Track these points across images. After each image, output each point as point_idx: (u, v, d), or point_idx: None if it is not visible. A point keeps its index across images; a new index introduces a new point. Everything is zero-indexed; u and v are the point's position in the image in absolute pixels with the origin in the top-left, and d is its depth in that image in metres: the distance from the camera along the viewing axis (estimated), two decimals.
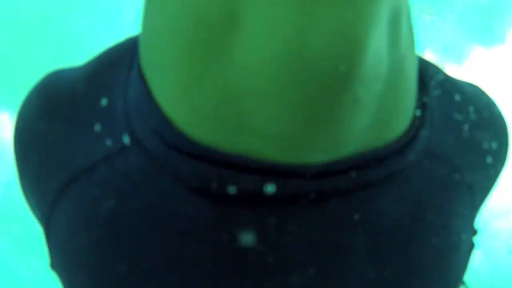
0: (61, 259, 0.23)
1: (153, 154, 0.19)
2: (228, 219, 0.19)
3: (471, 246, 0.27)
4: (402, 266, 0.21)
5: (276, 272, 0.19)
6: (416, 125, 0.21)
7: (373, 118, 0.17)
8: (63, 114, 0.23)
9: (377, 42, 0.14)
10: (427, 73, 0.23)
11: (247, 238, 0.18)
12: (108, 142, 0.21)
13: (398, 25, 0.16)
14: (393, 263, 0.21)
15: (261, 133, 0.16)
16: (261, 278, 0.19)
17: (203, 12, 0.14)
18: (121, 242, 0.20)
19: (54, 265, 0.25)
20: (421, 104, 0.22)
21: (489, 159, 0.26)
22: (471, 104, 0.25)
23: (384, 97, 0.17)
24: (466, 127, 0.24)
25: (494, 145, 0.26)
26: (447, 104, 0.24)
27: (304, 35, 0.13)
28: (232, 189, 0.17)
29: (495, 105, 0.27)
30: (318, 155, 0.17)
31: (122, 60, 0.22)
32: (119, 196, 0.20)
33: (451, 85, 0.25)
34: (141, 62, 0.19)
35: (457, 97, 0.24)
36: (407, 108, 0.20)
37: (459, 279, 0.26)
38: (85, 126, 0.22)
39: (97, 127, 0.21)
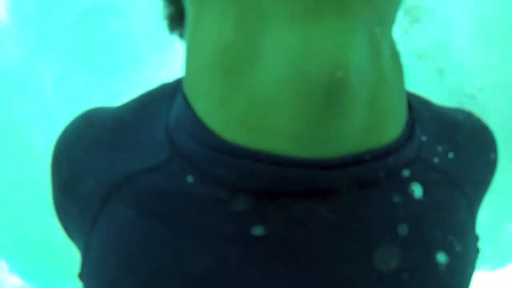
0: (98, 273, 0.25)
1: (195, 160, 0.23)
2: (279, 213, 0.22)
3: (476, 251, 0.29)
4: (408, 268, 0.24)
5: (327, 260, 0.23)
6: (409, 129, 0.25)
7: (369, 120, 0.22)
8: (105, 139, 0.26)
9: (360, 58, 0.20)
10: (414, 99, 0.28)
11: (302, 231, 0.22)
12: (148, 160, 0.24)
13: (377, 44, 0.21)
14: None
15: (282, 133, 0.21)
16: (313, 266, 0.23)
17: (233, 48, 0.21)
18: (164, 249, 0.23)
19: (84, 277, 0.27)
20: (410, 115, 0.26)
21: (480, 167, 0.29)
22: (460, 122, 0.29)
23: (374, 102, 0.22)
24: (457, 137, 0.28)
25: (485, 155, 0.30)
26: (436, 120, 0.28)
27: (307, 59, 0.19)
28: (277, 185, 0.22)
29: (482, 121, 0.31)
30: (327, 149, 0.22)
31: (161, 97, 0.27)
32: (163, 200, 0.23)
33: (437, 108, 0.30)
34: (185, 90, 0.25)
35: (446, 115, 0.29)
36: (398, 113, 0.24)
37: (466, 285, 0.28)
38: (126, 149, 0.25)
39: (138, 150, 0.25)
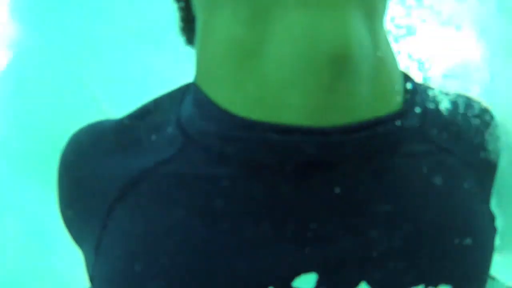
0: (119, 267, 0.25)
1: (210, 142, 0.24)
2: (293, 186, 0.24)
3: (492, 230, 0.30)
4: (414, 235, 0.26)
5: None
6: (409, 101, 0.27)
7: (373, 91, 0.24)
8: (117, 143, 0.27)
9: (360, 37, 0.23)
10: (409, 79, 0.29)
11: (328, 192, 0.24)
12: (161, 154, 0.25)
13: (373, 23, 0.24)
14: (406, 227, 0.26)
15: (294, 107, 0.23)
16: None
17: (245, 37, 0.24)
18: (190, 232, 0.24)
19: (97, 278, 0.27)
20: (409, 89, 0.28)
21: (482, 145, 0.30)
22: (458, 99, 0.30)
23: (375, 76, 0.24)
24: (456, 115, 0.29)
25: (486, 134, 0.30)
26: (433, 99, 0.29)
27: (314, 39, 0.22)
28: (292, 154, 0.23)
29: (481, 102, 0.32)
30: (337, 117, 0.23)
31: (168, 101, 0.29)
32: (181, 186, 0.24)
33: (432, 88, 0.30)
34: (199, 84, 0.26)
35: (443, 93, 0.30)
36: (397, 87, 0.27)
37: (483, 265, 0.29)
38: (137, 150, 0.26)
39: (149, 149, 0.26)
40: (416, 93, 0.28)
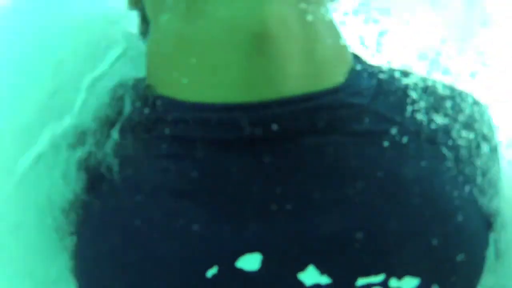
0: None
1: (152, 127, 0.25)
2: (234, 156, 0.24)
3: (476, 219, 0.27)
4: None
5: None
6: (352, 79, 0.26)
7: (305, 68, 0.24)
8: None
9: (281, 14, 0.24)
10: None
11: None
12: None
13: (308, 4, 0.24)
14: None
15: (225, 84, 0.24)
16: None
17: (183, 32, 0.25)
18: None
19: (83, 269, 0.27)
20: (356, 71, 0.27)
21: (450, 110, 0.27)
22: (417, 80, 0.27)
23: (306, 52, 0.24)
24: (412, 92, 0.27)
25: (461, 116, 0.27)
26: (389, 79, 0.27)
27: (235, 17, 0.23)
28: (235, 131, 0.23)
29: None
30: (266, 93, 0.23)
31: None
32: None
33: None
34: (149, 82, 0.27)
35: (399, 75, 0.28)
36: (335, 66, 0.26)
37: (463, 260, 0.26)
38: None
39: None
40: (363, 73, 0.27)
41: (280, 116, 0.23)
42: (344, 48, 0.27)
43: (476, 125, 0.28)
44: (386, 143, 0.24)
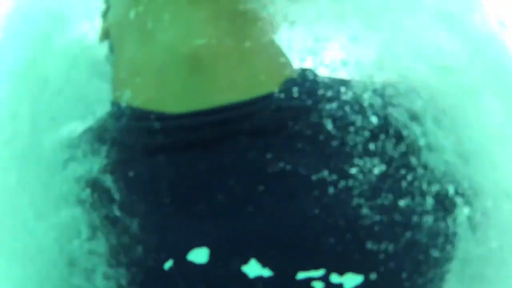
0: None
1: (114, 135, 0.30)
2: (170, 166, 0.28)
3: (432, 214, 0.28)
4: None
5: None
6: (286, 85, 0.29)
7: (235, 80, 0.28)
8: None
9: (213, 38, 0.28)
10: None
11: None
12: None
13: (235, 23, 0.30)
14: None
15: (168, 96, 0.28)
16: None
17: (140, 52, 0.31)
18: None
19: None
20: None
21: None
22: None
23: (239, 64, 0.29)
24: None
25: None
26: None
27: (174, 39, 0.29)
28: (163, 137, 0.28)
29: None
30: (199, 103, 0.28)
31: None
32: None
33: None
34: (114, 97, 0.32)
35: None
36: (266, 77, 0.29)
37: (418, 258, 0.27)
38: None
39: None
40: (299, 79, 0.29)
41: (210, 123, 0.27)
42: (278, 58, 0.31)
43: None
44: (305, 144, 0.27)
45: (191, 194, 0.27)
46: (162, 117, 0.28)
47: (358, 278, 0.26)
